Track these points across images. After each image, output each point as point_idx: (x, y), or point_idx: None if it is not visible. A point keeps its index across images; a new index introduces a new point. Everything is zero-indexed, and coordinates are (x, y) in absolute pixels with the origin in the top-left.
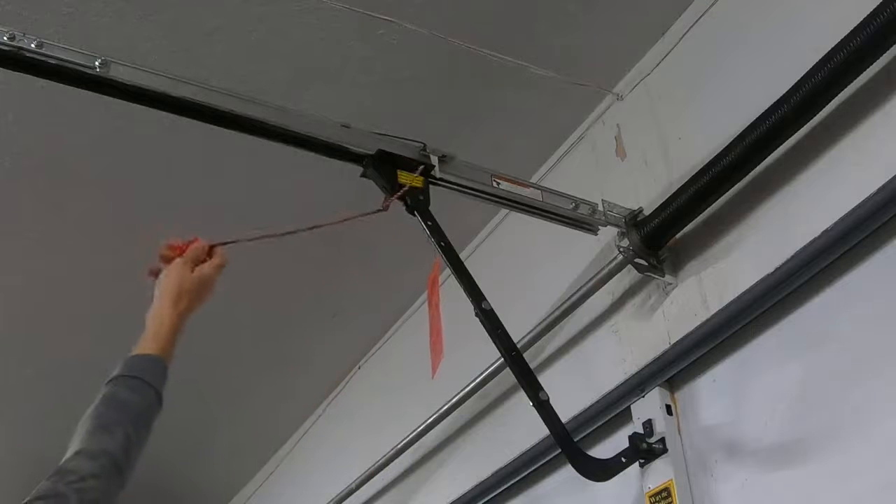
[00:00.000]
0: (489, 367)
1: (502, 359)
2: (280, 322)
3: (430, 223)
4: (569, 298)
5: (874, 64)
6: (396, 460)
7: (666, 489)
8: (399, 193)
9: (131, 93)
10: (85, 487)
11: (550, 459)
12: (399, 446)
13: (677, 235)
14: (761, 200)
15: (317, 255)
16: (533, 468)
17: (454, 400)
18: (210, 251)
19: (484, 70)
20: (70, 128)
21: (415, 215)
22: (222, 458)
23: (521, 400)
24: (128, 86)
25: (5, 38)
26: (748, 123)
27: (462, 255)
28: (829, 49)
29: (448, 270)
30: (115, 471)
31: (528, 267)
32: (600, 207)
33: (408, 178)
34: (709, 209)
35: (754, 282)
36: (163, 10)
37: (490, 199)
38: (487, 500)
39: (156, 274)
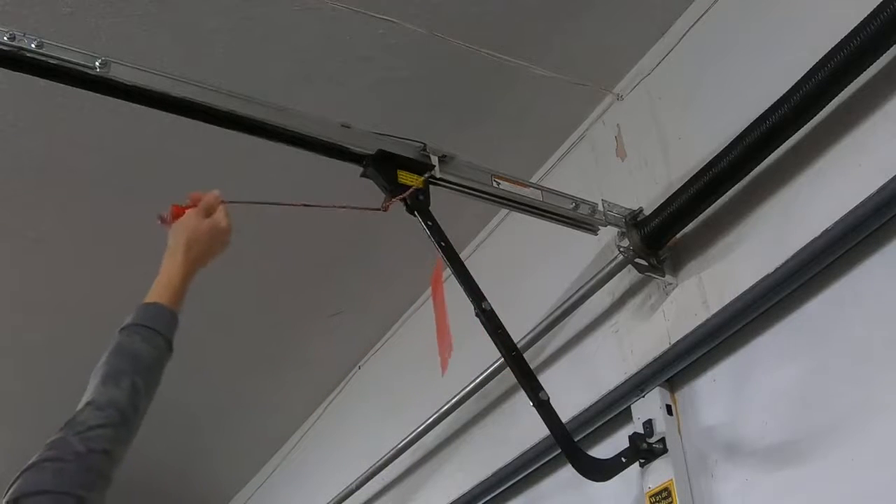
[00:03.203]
0: (489, 367)
1: (502, 359)
2: (280, 322)
3: (430, 223)
4: (569, 298)
5: (874, 64)
6: (396, 460)
7: (666, 489)
8: (402, 196)
9: (131, 93)
10: (93, 437)
11: (550, 459)
12: (399, 446)
13: (677, 235)
14: (761, 200)
15: (317, 255)
16: (533, 468)
17: (454, 400)
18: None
19: (484, 70)
20: (70, 128)
21: (415, 215)
22: (222, 459)
23: (521, 400)
24: (128, 86)
25: (5, 38)
26: (748, 123)
27: (462, 255)
28: (829, 49)
29: (448, 270)
30: (121, 420)
31: (529, 267)
32: (600, 207)
33: (408, 178)
34: (709, 209)
35: (754, 282)
36: (163, 10)
37: (490, 199)
38: (487, 500)
39: (163, 219)
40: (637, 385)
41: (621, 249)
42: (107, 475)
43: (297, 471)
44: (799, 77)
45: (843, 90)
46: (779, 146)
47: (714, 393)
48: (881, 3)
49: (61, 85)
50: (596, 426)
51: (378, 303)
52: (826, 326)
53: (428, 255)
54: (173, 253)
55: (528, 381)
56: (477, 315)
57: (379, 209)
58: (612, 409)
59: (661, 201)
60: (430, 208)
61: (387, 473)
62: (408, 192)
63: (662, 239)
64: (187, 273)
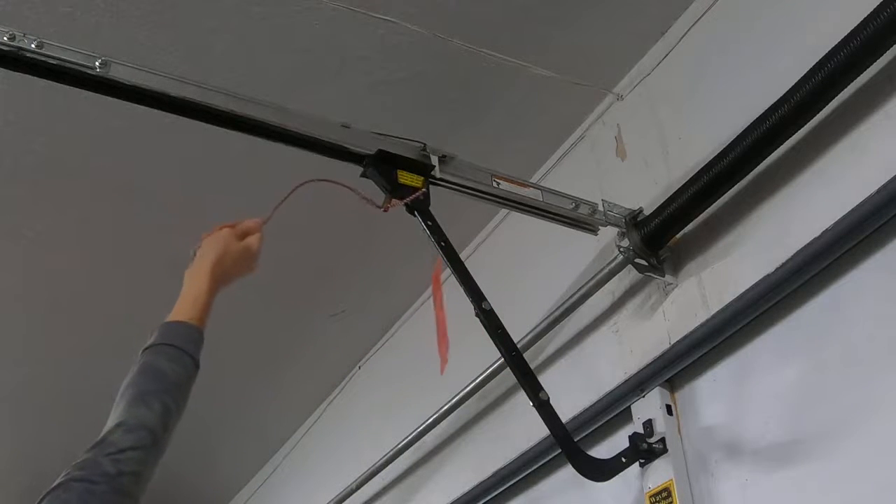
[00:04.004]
0: (489, 367)
1: (502, 359)
2: (280, 322)
3: (430, 223)
4: (569, 298)
5: (874, 64)
6: (396, 460)
7: (666, 489)
8: (406, 199)
9: (131, 93)
10: (123, 459)
11: (550, 459)
12: (399, 446)
13: (677, 235)
14: (761, 200)
15: (317, 255)
16: (533, 468)
17: (454, 400)
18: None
19: (484, 70)
20: (70, 128)
21: (415, 215)
22: (222, 459)
23: (521, 400)
24: (128, 86)
25: (5, 38)
26: (748, 123)
27: (462, 255)
28: (829, 49)
29: (448, 270)
30: (152, 442)
31: (529, 267)
32: (600, 207)
33: (408, 179)
34: (709, 209)
35: (754, 282)
36: (163, 10)
37: (490, 199)
38: (487, 500)
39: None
40: (637, 385)
41: (621, 249)
42: (135, 496)
43: (297, 471)
44: (799, 77)
45: (843, 90)
46: (779, 146)
47: (714, 393)
48: (881, 4)
49: (61, 85)
50: (596, 426)
51: (378, 303)
52: (826, 326)
53: (428, 255)
54: (200, 269)
55: (528, 381)
56: (477, 315)
57: (380, 207)
58: (612, 409)
59: (661, 201)
60: (430, 208)
61: (387, 473)
62: (411, 197)
63: (662, 239)
64: (212, 290)
